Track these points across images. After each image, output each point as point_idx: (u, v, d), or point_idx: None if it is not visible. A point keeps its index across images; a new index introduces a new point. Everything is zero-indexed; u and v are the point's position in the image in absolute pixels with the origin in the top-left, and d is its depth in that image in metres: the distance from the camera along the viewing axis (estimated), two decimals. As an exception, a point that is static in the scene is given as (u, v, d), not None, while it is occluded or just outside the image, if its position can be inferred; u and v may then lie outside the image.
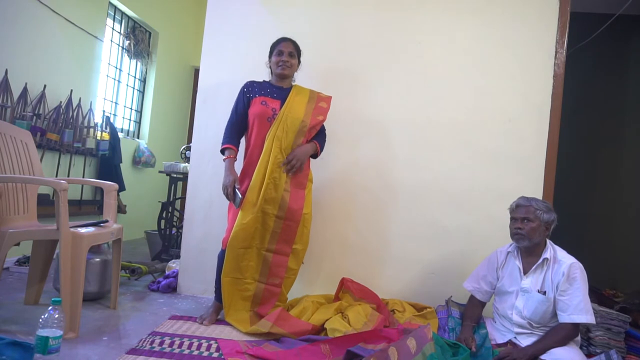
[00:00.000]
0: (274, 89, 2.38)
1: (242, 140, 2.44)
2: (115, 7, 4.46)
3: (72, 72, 3.71)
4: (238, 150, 2.36)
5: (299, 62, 2.44)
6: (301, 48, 2.45)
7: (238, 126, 2.37)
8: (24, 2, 3.16)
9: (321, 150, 2.42)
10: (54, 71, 3.50)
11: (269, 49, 2.43)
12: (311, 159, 2.45)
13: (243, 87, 2.40)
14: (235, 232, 2.22)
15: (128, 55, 4.70)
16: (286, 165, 2.26)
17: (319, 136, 2.40)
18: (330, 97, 2.47)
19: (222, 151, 2.34)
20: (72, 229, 1.97)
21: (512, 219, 2.07)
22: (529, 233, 1.97)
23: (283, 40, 2.39)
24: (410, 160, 2.76)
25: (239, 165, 2.38)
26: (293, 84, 2.47)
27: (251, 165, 2.31)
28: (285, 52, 2.35)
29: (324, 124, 2.45)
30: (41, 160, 3.14)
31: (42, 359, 1.53)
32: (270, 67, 2.43)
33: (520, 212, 2.02)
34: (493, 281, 2.15)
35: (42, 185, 2.36)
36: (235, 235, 2.21)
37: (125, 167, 4.47)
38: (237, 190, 2.24)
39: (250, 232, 2.23)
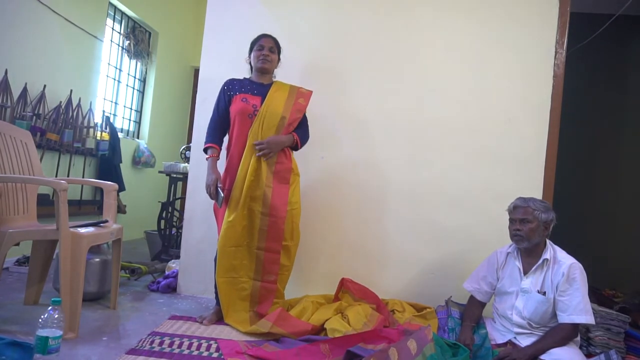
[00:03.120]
0: (255, 86, 2.38)
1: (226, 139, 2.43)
2: (115, 7, 4.46)
3: (72, 72, 3.71)
4: (221, 149, 2.37)
5: (279, 59, 2.44)
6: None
7: (220, 125, 2.38)
8: (24, 2, 3.16)
9: (302, 143, 2.39)
10: (54, 71, 3.50)
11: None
12: (294, 153, 2.42)
13: (223, 85, 2.40)
14: (224, 230, 2.23)
15: (128, 55, 4.70)
16: (256, 147, 2.24)
17: (299, 129, 2.38)
18: (310, 93, 2.45)
19: (205, 150, 2.35)
20: (71, 229, 1.97)
21: (510, 220, 2.07)
22: (528, 234, 1.97)
23: (264, 36, 2.40)
24: (409, 160, 2.76)
25: (222, 164, 2.39)
26: (274, 79, 2.47)
27: (233, 163, 2.32)
28: (266, 47, 2.35)
29: (307, 118, 2.44)
30: (41, 160, 3.13)
31: (41, 359, 1.53)
32: (250, 63, 2.43)
33: (518, 213, 2.02)
34: (493, 282, 2.15)
35: (42, 185, 2.36)
36: (224, 234, 2.22)
37: (125, 167, 4.47)
38: (219, 189, 2.26)
39: (237, 230, 2.23)
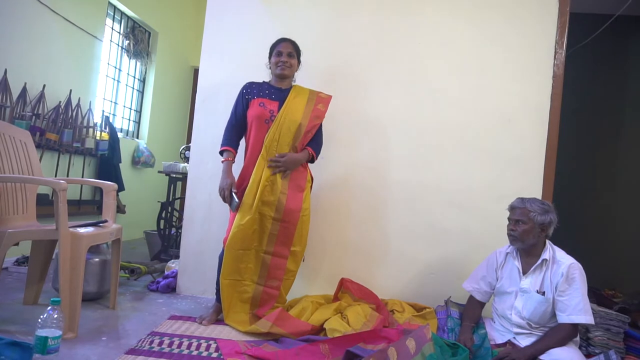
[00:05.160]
0: (273, 90, 2.37)
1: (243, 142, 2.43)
2: (115, 7, 4.46)
3: (72, 72, 3.71)
4: (237, 152, 2.35)
5: (299, 62, 2.43)
6: (301, 48, 2.44)
7: (237, 128, 2.36)
8: (24, 1, 3.16)
9: (317, 155, 2.40)
10: (53, 71, 3.50)
11: (268, 49, 2.42)
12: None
13: (242, 89, 2.39)
14: (234, 233, 2.21)
15: (127, 55, 4.69)
16: (271, 163, 2.24)
17: (314, 140, 2.38)
18: (329, 97, 2.46)
19: (221, 153, 2.33)
20: (71, 229, 1.96)
21: (508, 219, 2.08)
22: (521, 235, 1.98)
23: (282, 40, 2.38)
24: (409, 160, 2.76)
25: (238, 167, 2.38)
26: (293, 84, 2.46)
27: (249, 167, 2.31)
28: (285, 53, 2.34)
29: (322, 125, 2.44)
30: (40, 160, 3.14)
31: (41, 359, 1.52)
32: (270, 68, 2.42)
33: (515, 213, 2.02)
34: (492, 282, 2.15)
35: (41, 185, 2.36)
36: (234, 236, 2.21)
37: (125, 167, 4.47)
38: (234, 194, 2.23)
39: (248, 233, 2.22)
